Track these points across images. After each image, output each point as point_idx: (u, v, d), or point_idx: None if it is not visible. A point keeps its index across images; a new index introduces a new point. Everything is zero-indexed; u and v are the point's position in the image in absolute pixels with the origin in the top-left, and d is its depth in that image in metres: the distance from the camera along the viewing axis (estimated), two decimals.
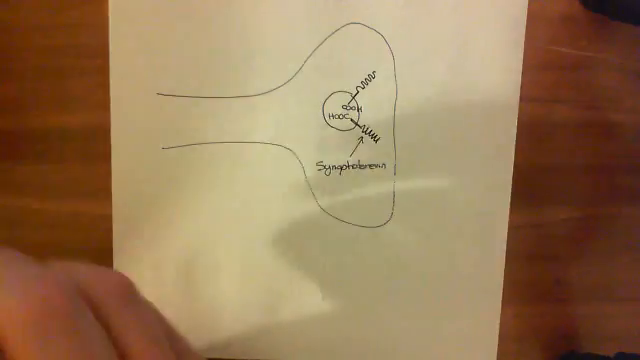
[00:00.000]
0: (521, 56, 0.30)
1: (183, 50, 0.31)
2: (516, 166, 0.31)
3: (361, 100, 0.31)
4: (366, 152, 0.31)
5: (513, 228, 0.32)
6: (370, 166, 0.31)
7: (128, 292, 0.17)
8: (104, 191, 0.32)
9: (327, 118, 0.31)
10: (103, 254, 0.32)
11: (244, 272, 0.32)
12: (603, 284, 0.32)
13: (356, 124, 0.31)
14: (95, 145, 0.32)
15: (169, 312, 0.18)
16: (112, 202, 0.32)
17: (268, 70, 0.31)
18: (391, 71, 0.31)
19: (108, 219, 0.32)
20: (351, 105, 0.31)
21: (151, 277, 0.32)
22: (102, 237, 0.32)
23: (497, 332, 0.32)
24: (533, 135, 0.31)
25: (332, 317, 0.32)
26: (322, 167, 0.31)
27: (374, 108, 0.31)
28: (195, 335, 0.33)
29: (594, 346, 0.33)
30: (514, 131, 0.31)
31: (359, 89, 0.31)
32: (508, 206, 0.31)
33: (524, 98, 0.31)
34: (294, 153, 0.31)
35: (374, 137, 0.31)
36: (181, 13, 0.31)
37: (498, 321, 0.32)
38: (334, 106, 0.31)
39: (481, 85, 0.31)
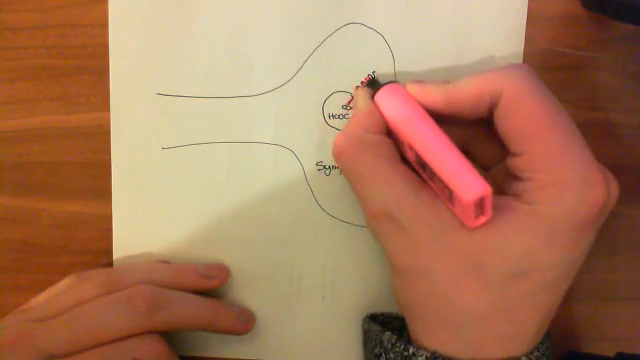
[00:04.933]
0: (521, 56, 0.30)
1: (183, 50, 0.31)
2: None
3: None
4: None
5: None
6: None
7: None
8: (104, 191, 0.32)
9: (327, 118, 0.31)
10: (103, 254, 0.32)
11: (243, 272, 0.32)
12: (603, 284, 0.32)
13: None
14: (95, 145, 0.32)
15: None
16: (112, 202, 0.32)
17: (268, 70, 0.31)
18: (391, 71, 0.31)
19: (108, 219, 0.32)
20: (351, 105, 0.31)
21: None
22: (102, 237, 0.32)
23: None
24: None
25: (332, 317, 0.32)
26: (322, 167, 0.31)
27: None
28: (194, 334, 0.33)
29: (594, 346, 0.33)
30: None
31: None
32: None
33: None
34: (294, 153, 0.31)
35: None
36: (181, 13, 0.31)
37: None
38: (334, 106, 0.31)
39: None
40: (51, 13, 0.31)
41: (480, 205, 0.22)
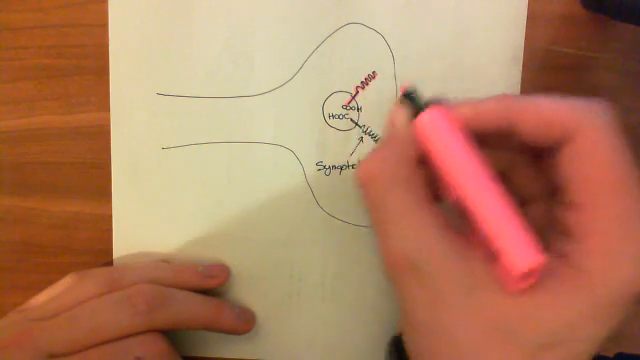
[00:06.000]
0: (521, 56, 0.30)
1: (183, 50, 0.31)
2: None
3: (361, 100, 0.31)
4: (366, 152, 0.31)
5: None
6: None
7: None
8: (104, 191, 0.32)
9: (327, 118, 0.31)
10: (103, 254, 0.32)
11: (243, 272, 0.32)
12: None
13: (356, 124, 0.31)
14: (95, 145, 0.32)
15: None
16: (112, 202, 0.32)
17: (268, 70, 0.31)
18: (391, 71, 0.31)
19: (108, 219, 0.32)
20: (351, 105, 0.31)
21: None
22: (102, 237, 0.32)
23: None
24: None
25: (332, 317, 0.32)
26: (322, 167, 0.31)
27: (374, 108, 0.31)
28: (194, 334, 0.33)
29: None
30: None
31: (359, 89, 0.31)
32: None
33: None
34: (294, 153, 0.31)
35: (374, 137, 0.31)
36: (181, 13, 0.31)
37: None
38: (334, 106, 0.31)
39: (481, 85, 0.31)
40: (51, 13, 0.31)
41: (529, 273, 0.20)
